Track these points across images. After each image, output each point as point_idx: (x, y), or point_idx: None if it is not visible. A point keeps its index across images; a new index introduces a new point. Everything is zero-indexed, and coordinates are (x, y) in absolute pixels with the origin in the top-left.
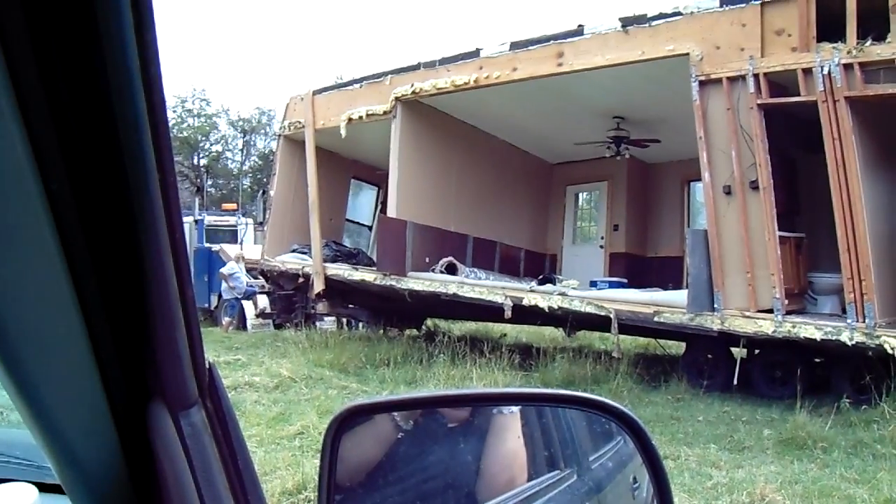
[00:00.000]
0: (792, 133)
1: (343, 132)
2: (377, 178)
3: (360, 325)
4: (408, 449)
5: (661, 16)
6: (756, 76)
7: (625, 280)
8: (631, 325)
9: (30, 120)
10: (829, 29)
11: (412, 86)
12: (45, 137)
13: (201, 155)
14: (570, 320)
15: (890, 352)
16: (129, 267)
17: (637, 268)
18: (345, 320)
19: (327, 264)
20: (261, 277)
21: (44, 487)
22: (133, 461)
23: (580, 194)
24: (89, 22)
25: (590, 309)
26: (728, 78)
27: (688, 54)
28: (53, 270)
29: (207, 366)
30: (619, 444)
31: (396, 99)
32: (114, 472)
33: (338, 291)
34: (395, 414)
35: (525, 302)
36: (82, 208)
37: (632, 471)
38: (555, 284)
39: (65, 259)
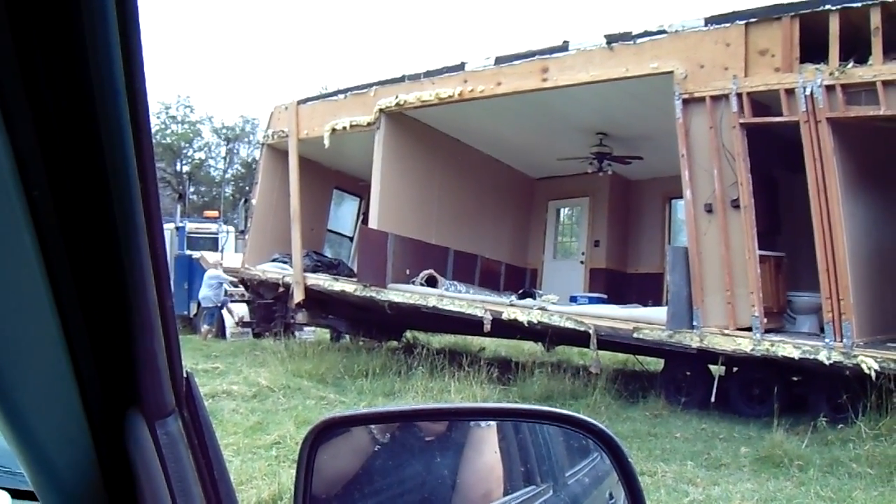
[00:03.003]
0: (774, 153)
1: (326, 142)
2: (360, 189)
3: (348, 336)
4: (384, 462)
5: (646, 34)
6: (739, 95)
7: (605, 296)
8: (610, 341)
9: (12, 126)
10: (812, 50)
11: (396, 98)
12: (27, 144)
13: (184, 162)
14: (549, 335)
15: (867, 371)
16: (109, 275)
17: (617, 284)
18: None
19: (308, 274)
20: (240, 286)
21: (17, 494)
22: (108, 469)
23: (562, 209)
24: (74, 29)
25: (569, 324)
26: (711, 97)
27: (672, 72)
28: (32, 276)
29: (185, 375)
30: (595, 459)
31: (380, 111)
32: (88, 480)
33: (318, 302)
34: (372, 427)
35: (505, 316)
36: (63, 215)
37: (608, 487)
38: (535, 299)
39: (44, 265)
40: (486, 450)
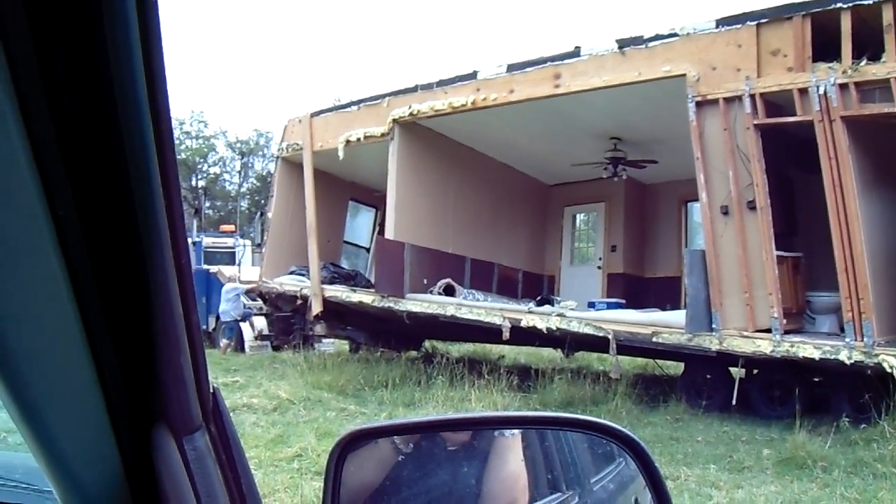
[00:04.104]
0: (788, 153)
1: (341, 154)
2: (375, 199)
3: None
4: (410, 472)
5: (658, 37)
6: (752, 96)
7: (623, 301)
8: (629, 346)
9: (37, 146)
10: (825, 49)
11: (410, 108)
12: (53, 164)
13: (199, 177)
14: (568, 341)
15: (889, 370)
16: (134, 290)
17: (635, 288)
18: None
19: (325, 286)
20: (258, 299)
21: None
22: (136, 485)
23: (578, 215)
24: (98, 47)
25: (588, 330)
26: (724, 98)
27: (684, 75)
28: (59, 294)
29: (212, 390)
30: (620, 465)
31: (394, 121)
32: (117, 497)
33: (336, 313)
34: (396, 437)
35: (523, 323)
36: (88, 233)
37: (633, 492)
38: (553, 305)
39: (70, 283)
40: (511, 458)
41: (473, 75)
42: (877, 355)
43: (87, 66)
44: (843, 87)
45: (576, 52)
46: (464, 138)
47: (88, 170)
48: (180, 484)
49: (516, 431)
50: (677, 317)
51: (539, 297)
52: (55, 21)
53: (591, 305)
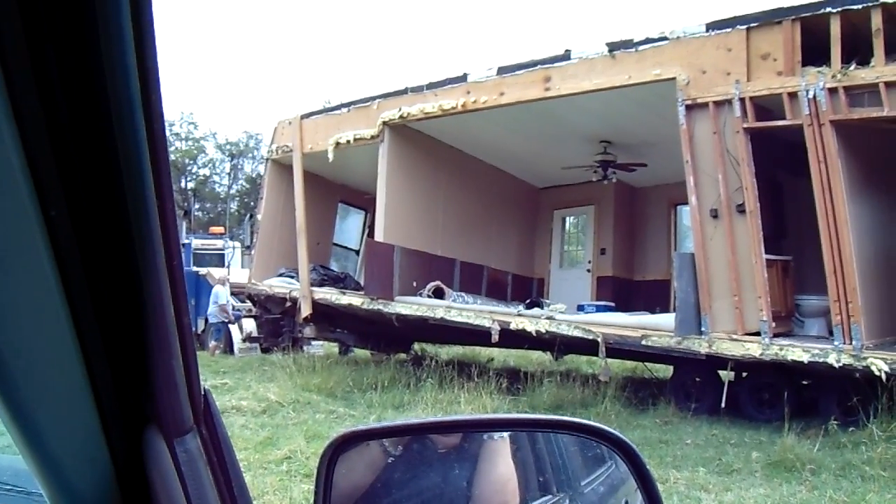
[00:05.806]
0: (778, 156)
1: (331, 156)
2: (365, 202)
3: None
4: (400, 475)
5: (648, 41)
6: (742, 100)
7: (612, 304)
8: (618, 349)
9: (29, 146)
10: (814, 53)
11: (400, 110)
12: (45, 164)
13: (189, 178)
14: (557, 344)
15: (877, 373)
16: (126, 293)
17: (624, 291)
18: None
19: (314, 288)
20: (247, 301)
21: None
22: (127, 488)
23: (567, 218)
24: (92, 48)
25: (577, 333)
26: (714, 102)
27: (674, 79)
28: (50, 296)
29: (203, 392)
30: (610, 468)
31: (384, 123)
32: (107, 499)
33: (325, 315)
34: (386, 440)
35: (512, 326)
36: (80, 234)
37: (624, 495)
38: (542, 308)
39: (62, 285)
40: (501, 461)
41: (463, 78)
42: (865, 358)
43: (81, 67)
44: (833, 91)
45: (566, 56)
46: (453, 141)
47: (81, 171)
48: (171, 486)
49: (506, 434)
50: (667, 320)
51: (528, 300)
52: (49, 21)
53: (581, 308)
